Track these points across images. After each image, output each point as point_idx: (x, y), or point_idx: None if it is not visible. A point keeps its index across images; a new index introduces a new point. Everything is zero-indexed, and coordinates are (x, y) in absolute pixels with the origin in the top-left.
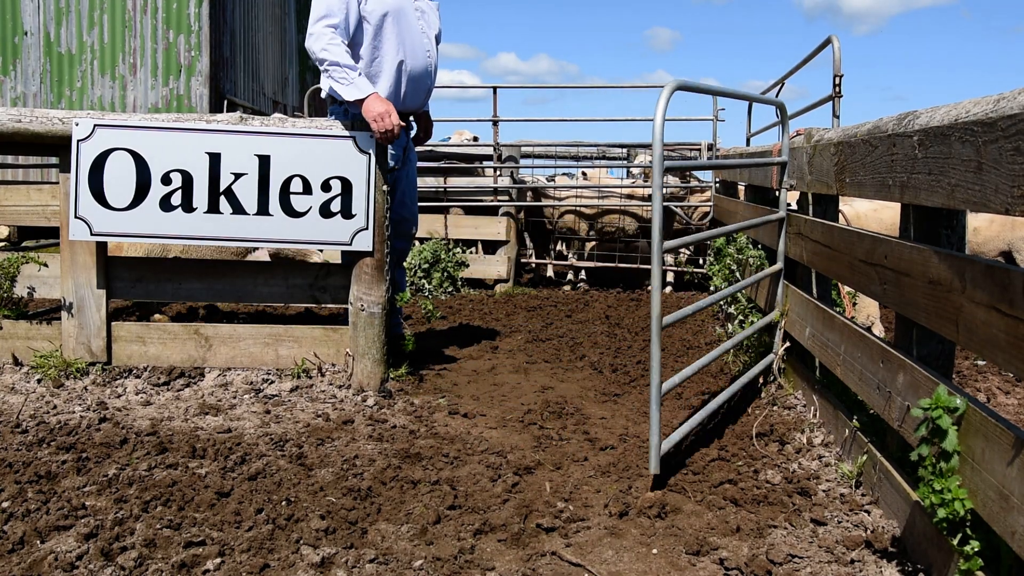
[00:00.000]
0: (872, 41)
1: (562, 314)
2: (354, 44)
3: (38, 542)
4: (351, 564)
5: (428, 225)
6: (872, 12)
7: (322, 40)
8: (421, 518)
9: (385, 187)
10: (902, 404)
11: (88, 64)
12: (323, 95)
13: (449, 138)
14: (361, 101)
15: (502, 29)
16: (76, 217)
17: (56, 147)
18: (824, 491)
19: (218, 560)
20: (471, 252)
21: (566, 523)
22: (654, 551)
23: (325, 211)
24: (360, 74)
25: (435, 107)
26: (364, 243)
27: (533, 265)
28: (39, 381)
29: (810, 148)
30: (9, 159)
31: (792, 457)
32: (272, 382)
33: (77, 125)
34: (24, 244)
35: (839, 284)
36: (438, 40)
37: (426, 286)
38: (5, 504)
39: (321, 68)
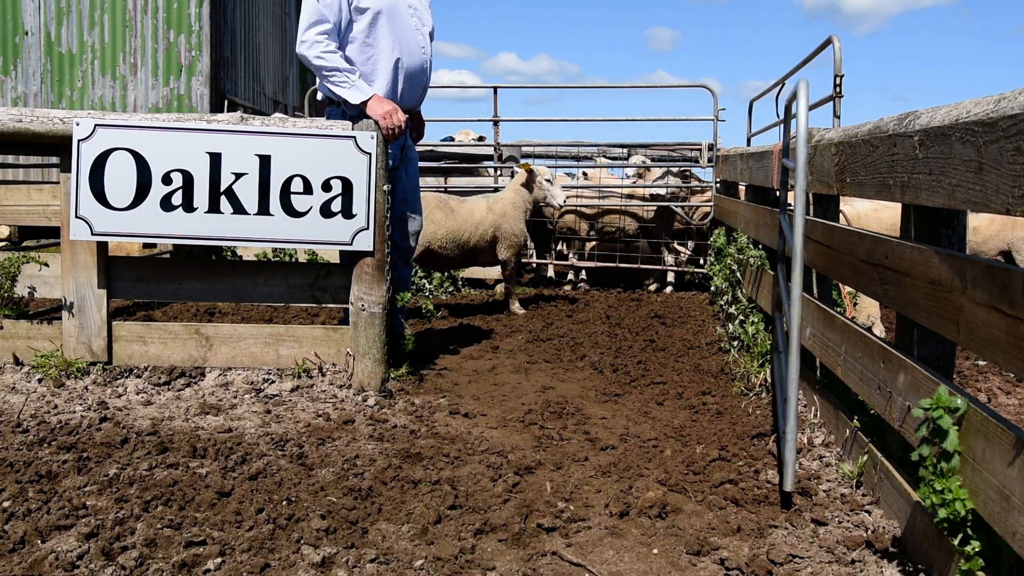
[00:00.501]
0: (872, 41)
1: (562, 314)
2: (345, 43)
3: (39, 541)
4: (352, 564)
5: None
6: (872, 12)
7: (316, 48)
8: (422, 518)
9: (386, 187)
10: (903, 404)
11: (89, 64)
12: (319, 97)
13: (453, 138)
14: (365, 103)
15: (502, 29)
16: (77, 217)
17: (57, 147)
18: (825, 491)
19: (219, 560)
20: None
21: (567, 523)
22: (655, 551)
23: (326, 211)
24: (359, 76)
25: (436, 107)
26: (365, 243)
27: (534, 265)
28: (40, 381)
29: (811, 148)
30: (10, 159)
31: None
32: (273, 382)
33: (78, 125)
34: (25, 244)
35: (840, 284)
36: (431, 37)
37: (426, 286)
38: (6, 504)
39: (319, 74)
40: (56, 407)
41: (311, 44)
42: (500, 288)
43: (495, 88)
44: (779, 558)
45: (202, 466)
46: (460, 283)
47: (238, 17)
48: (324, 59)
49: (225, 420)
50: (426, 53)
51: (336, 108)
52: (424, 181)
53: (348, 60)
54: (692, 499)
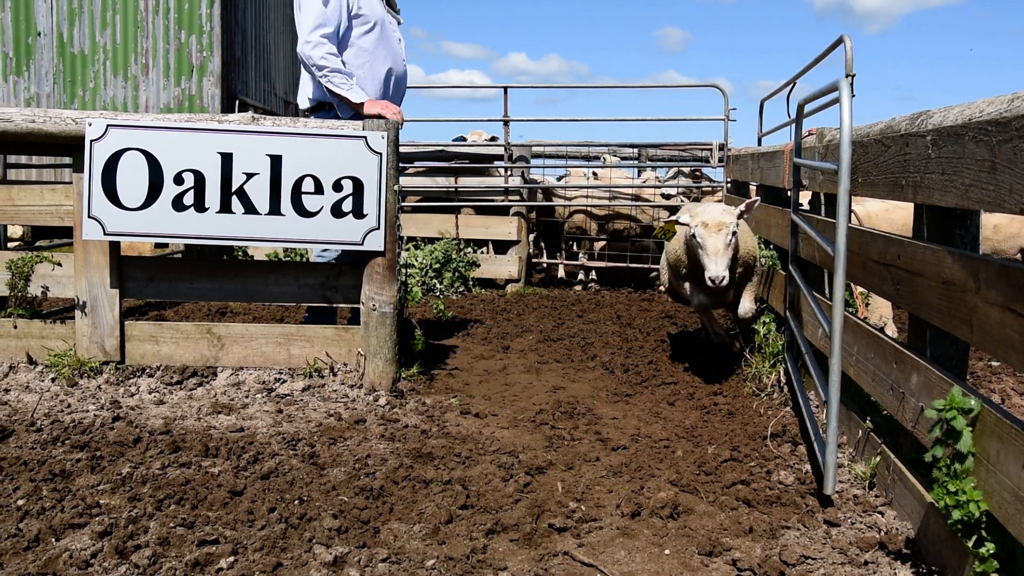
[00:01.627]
0: (883, 40)
1: (573, 314)
2: (344, 47)
3: (53, 540)
4: (363, 563)
5: (439, 225)
6: (883, 11)
7: (321, 49)
8: (433, 518)
9: (396, 187)
10: (916, 405)
11: (101, 64)
12: (307, 104)
13: (465, 138)
14: (362, 104)
15: (512, 29)
16: (89, 217)
17: (69, 147)
18: (837, 492)
19: (231, 559)
20: (482, 252)
21: (578, 523)
22: (666, 551)
23: (337, 211)
24: (354, 80)
25: (446, 107)
26: (376, 243)
27: (544, 265)
28: (53, 380)
29: (822, 148)
30: (23, 159)
31: (805, 458)
32: (284, 381)
33: (90, 125)
34: (38, 244)
35: (852, 284)
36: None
37: (437, 286)
38: (20, 502)
39: (319, 74)
40: (69, 406)
41: (316, 45)
42: (511, 288)
43: (505, 88)
44: (791, 559)
45: (214, 465)
46: (471, 283)
47: (249, 17)
48: (328, 60)
49: (237, 419)
50: (405, 62)
51: (328, 113)
52: (435, 181)
53: (343, 63)
54: (704, 500)
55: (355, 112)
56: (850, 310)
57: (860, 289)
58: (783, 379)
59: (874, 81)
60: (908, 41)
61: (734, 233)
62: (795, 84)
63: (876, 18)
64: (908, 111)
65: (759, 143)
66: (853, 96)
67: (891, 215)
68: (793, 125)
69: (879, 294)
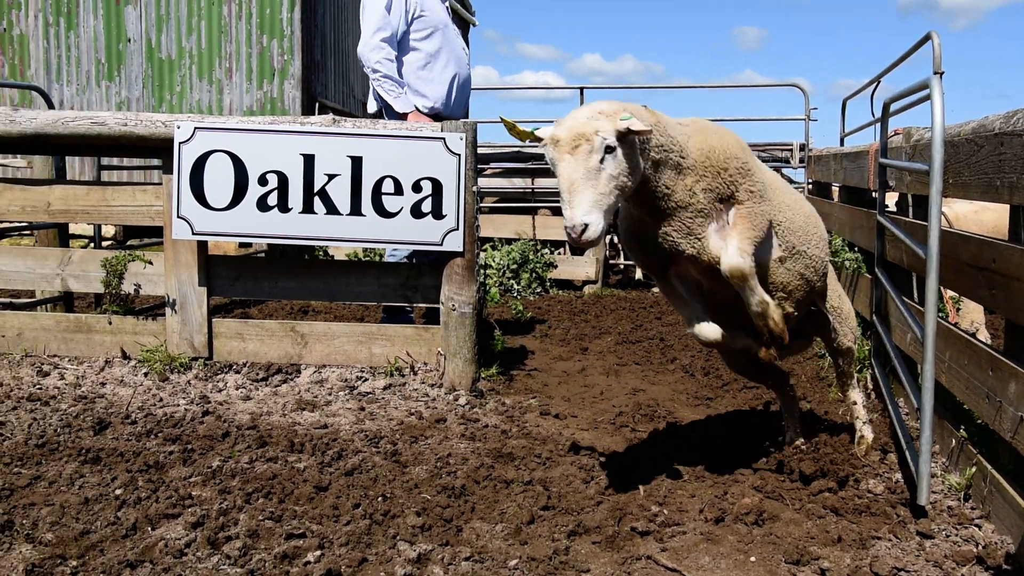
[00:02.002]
0: (970, 37)
1: (652, 316)
2: (405, 51)
3: (149, 529)
4: (447, 561)
5: (516, 226)
6: (970, 7)
7: (379, 53)
8: (515, 518)
9: (475, 188)
10: (1014, 415)
11: (187, 69)
12: (374, 107)
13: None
14: (405, 115)
15: (587, 30)
16: (179, 217)
17: (159, 149)
18: (931, 503)
19: (318, 552)
20: (559, 253)
21: (661, 527)
22: (752, 559)
23: (416, 211)
24: (405, 89)
25: (521, 108)
26: (455, 243)
27: (621, 266)
28: (146, 374)
29: (909, 148)
30: (114, 161)
31: (895, 467)
32: (366, 380)
33: (179, 128)
34: (128, 243)
35: (941, 288)
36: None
37: (514, 287)
38: (118, 491)
39: (372, 77)
40: (161, 400)
41: (374, 48)
42: (588, 289)
43: (581, 89)
44: (883, 571)
45: (300, 461)
46: (548, 284)
47: (328, 21)
48: (382, 65)
49: (321, 416)
50: (468, 67)
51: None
52: (512, 182)
53: (401, 65)
54: (790, 507)
55: (398, 119)
56: (940, 315)
57: (950, 293)
58: (870, 385)
59: (961, 79)
60: (997, 37)
61: (609, 149)
62: (879, 83)
63: (963, 13)
64: (1001, 110)
65: (841, 143)
66: (942, 94)
67: (980, 216)
68: (878, 124)
69: (972, 299)
